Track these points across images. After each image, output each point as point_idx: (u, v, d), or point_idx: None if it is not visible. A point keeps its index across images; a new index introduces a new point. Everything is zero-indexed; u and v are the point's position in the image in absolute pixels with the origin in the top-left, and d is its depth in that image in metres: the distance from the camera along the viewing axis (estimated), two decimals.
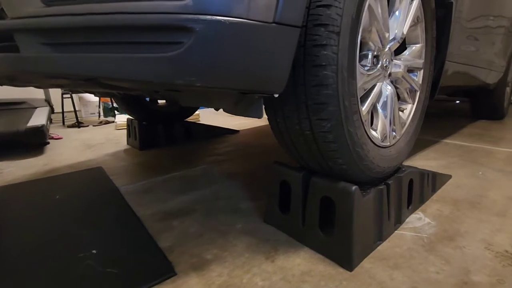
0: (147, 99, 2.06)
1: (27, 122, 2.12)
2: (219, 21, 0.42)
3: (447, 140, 1.89)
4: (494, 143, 1.78)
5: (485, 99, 2.41)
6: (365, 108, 0.71)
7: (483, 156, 1.52)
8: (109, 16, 0.43)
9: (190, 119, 2.71)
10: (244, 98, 0.58)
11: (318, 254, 0.74)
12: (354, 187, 0.66)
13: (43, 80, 0.56)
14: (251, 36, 0.46)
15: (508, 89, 2.56)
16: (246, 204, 1.06)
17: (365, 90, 0.72)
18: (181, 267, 0.71)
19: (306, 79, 0.59)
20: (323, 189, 0.72)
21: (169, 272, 0.69)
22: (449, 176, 1.23)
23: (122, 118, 3.04)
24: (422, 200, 1.00)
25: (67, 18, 0.42)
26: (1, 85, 0.98)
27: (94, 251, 0.77)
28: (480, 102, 2.48)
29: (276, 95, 0.56)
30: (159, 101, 2.26)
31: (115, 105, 3.80)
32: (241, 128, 2.62)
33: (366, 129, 0.71)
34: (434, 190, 1.08)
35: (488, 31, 1.61)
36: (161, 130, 2.02)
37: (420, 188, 0.97)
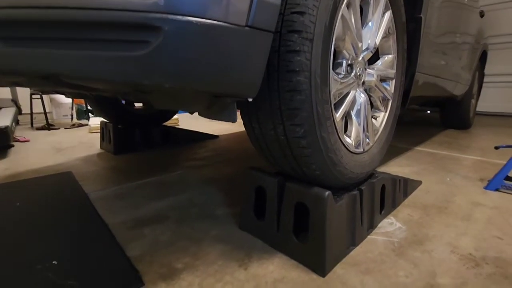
0: (123, 101, 1.99)
1: None
2: (189, 21, 0.41)
3: (419, 148, 1.97)
4: (462, 151, 1.88)
5: (453, 110, 2.56)
6: (339, 114, 0.72)
7: (451, 163, 1.60)
8: (71, 11, 0.40)
9: (169, 123, 2.65)
10: (217, 101, 0.57)
11: (292, 261, 0.74)
12: (327, 193, 0.67)
13: None
14: (222, 39, 0.45)
15: (473, 101, 2.74)
16: (223, 210, 1.04)
17: (339, 97, 0.74)
18: (149, 277, 0.68)
19: (280, 84, 0.59)
20: (297, 194, 0.72)
21: (136, 282, 0.65)
22: (420, 182, 1.27)
23: (96, 121, 2.92)
24: (394, 205, 1.03)
25: (22, 11, 0.40)
26: None
27: (54, 262, 0.71)
28: (448, 112, 2.62)
29: (250, 99, 0.55)
30: (136, 104, 2.20)
31: (89, 107, 3.65)
32: (221, 134, 2.59)
33: (340, 135, 0.72)
34: (405, 195, 1.12)
35: (455, 46, 1.71)
36: (137, 134, 1.96)
37: (392, 193, 1.00)
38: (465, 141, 2.22)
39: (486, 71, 3.07)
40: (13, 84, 0.63)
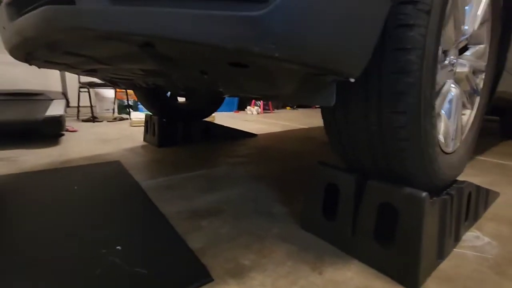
0: (168, 94, 2.01)
1: (45, 111, 2.09)
2: None
3: (481, 157, 1.78)
4: None
5: None
6: (437, 106, 0.63)
7: None
8: None
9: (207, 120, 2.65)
10: (312, 81, 0.51)
11: (371, 269, 0.65)
12: (424, 193, 0.58)
13: (91, 47, 0.50)
14: (344, 1, 0.39)
15: None
16: (278, 208, 0.97)
17: (437, 86, 0.65)
18: (216, 272, 0.63)
19: (383, 64, 0.52)
20: (382, 194, 0.64)
21: (205, 277, 0.60)
22: (498, 194, 1.12)
23: (137, 115, 3.01)
24: (476, 217, 0.90)
25: None
26: (30, 64, 0.93)
27: (118, 248, 0.69)
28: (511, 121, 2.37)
29: (352, 80, 0.48)
30: (179, 99, 2.22)
31: (130, 102, 3.79)
32: (259, 133, 2.54)
33: (437, 129, 0.63)
34: (486, 207, 0.98)
35: None
36: (180, 128, 1.96)
37: (475, 203, 0.88)
38: None
39: None
40: (87, 70, 0.62)
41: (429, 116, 0.55)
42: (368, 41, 0.44)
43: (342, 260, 0.68)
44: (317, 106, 0.64)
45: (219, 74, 0.58)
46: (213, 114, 3.19)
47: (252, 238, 0.78)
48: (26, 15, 0.43)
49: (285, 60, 0.40)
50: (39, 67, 1.00)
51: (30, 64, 0.94)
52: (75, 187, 1.10)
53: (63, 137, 2.20)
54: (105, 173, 1.29)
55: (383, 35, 0.51)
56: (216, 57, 0.44)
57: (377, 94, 0.54)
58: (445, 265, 0.68)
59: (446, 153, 0.71)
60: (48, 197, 1.01)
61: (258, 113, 4.36)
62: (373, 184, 0.66)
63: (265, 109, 4.68)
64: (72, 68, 0.86)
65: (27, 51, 0.63)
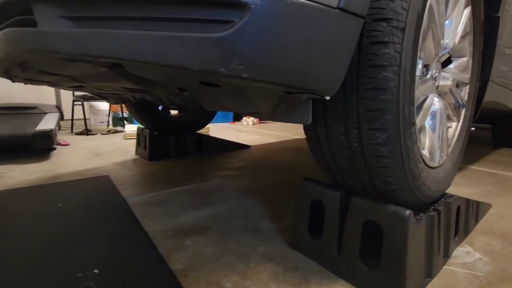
0: (160, 107, 2.01)
1: (36, 126, 2.07)
2: None
3: (474, 167, 1.77)
4: None
5: (509, 126, 2.31)
6: (418, 121, 0.63)
7: None
8: None
9: (201, 132, 2.64)
10: (288, 99, 0.50)
11: None
12: (408, 212, 0.56)
13: (61, 67, 0.49)
14: (311, 21, 0.38)
15: None
16: (267, 224, 0.95)
17: (418, 101, 0.64)
18: None
19: (360, 81, 0.51)
20: (367, 212, 0.62)
21: None
22: (489, 206, 1.11)
23: (131, 128, 3.00)
24: (467, 232, 0.88)
25: None
26: (13, 81, 0.92)
27: (96, 271, 0.66)
28: (503, 129, 2.38)
29: (328, 98, 0.47)
30: (171, 111, 2.21)
31: (124, 115, 3.79)
32: (252, 144, 2.53)
33: (420, 145, 0.62)
34: (477, 220, 0.97)
35: None
36: (172, 141, 1.95)
37: (465, 217, 0.86)
38: None
39: None
40: (70, 85, 0.61)
41: (409, 132, 0.54)
42: (341, 59, 0.44)
43: (328, 281, 0.66)
44: None
45: (197, 92, 0.57)
46: (207, 126, 3.18)
47: (237, 257, 0.75)
48: None
49: (256, 80, 0.39)
50: (25, 83, 1.00)
51: (13, 81, 0.93)
52: (59, 205, 1.07)
53: (54, 151, 2.17)
54: (92, 189, 1.27)
55: (358, 52, 0.51)
56: (186, 77, 0.43)
57: (355, 110, 0.53)
58: (434, 284, 0.65)
59: (432, 168, 0.70)
60: (29, 215, 0.98)
61: (254, 124, 4.36)
62: (356, 201, 0.64)
63: (261, 119, 4.69)
64: (55, 85, 0.85)
65: (3, 70, 0.62)
